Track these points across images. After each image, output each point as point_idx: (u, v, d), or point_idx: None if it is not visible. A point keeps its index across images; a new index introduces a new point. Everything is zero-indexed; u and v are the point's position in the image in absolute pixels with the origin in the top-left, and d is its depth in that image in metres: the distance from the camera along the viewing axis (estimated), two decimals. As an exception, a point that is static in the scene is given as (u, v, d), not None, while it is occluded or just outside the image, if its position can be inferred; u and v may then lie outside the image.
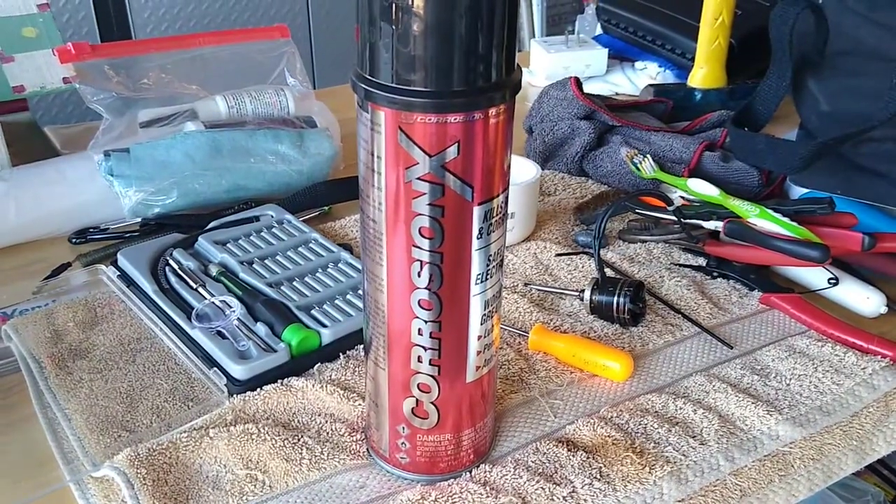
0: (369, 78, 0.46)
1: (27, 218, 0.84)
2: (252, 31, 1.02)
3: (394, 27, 0.44)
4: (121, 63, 0.91)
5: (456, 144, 0.46)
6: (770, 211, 0.75)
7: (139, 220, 0.86)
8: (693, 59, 1.17)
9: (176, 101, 0.95)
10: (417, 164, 0.46)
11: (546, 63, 1.31)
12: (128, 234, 0.85)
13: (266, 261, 0.78)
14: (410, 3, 0.43)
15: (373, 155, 0.48)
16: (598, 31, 1.42)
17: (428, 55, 0.44)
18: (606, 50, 1.32)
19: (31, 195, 0.85)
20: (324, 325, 0.68)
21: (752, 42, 1.16)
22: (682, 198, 0.84)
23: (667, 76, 1.28)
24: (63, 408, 0.63)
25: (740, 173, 0.90)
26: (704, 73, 1.15)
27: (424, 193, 0.47)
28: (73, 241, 0.86)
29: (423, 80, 0.44)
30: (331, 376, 0.65)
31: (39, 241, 0.85)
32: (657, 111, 1.08)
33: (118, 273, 0.76)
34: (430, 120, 0.45)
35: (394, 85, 0.45)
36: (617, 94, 1.27)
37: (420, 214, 0.48)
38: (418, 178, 0.47)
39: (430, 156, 0.46)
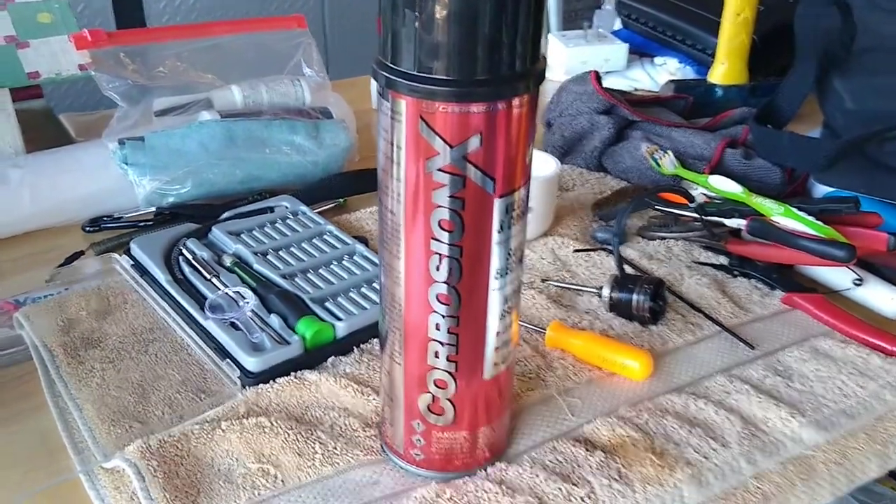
0: (391, 66, 0.45)
1: (42, 205, 0.84)
2: (269, 20, 1.01)
3: (417, 13, 0.42)
4: (137, 51, 0.91)
5: (478, 135, 0.45)
6: (794, 209, 0.74)
7: (153, 209, 0.86)
8: (714, 56, 1.15)
9: (191, 89, 0.94)
10: (438, 154, 0.45)
11: (564, 57, 1.29)
12: (141, 224, 0.85)
13: (280, 252, 0.77)
14: (434, -12, 0.42)
15: (393, 145, 0.47)
16: (618, 26, 1.40)
17: (451, 42, 0.43)
18: (626, 45, 1.30)
19: (46, 182, 0.85)
20: (338, 318, 0.67)
21: (775, 38, 1.14)
22: (704, 195, 0.83)
23: (687, 72, 1.26)
24: (74, 397, 0.62)
25: (763, 171, 0.88)
26: (725, 70, 1.13)
27: (445, 185, 0.46)
28: (87, 229, 0.85)
29: (446, 68, 0.43)
30: (345, 370, 0.64)
31: (53, 228, 0.85)
32: (677, 107, 1.06)
33: (131, 262, 0.76)
34: (452, 109, 0.44)
35: (416, 73, 0.44)
36: (636, 89, 1.26)
37: (440, 206, 0.47)
38: (439, 170, 0.45)
39: (451, 146, 0.45)
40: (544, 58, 0.47)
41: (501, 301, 0.51)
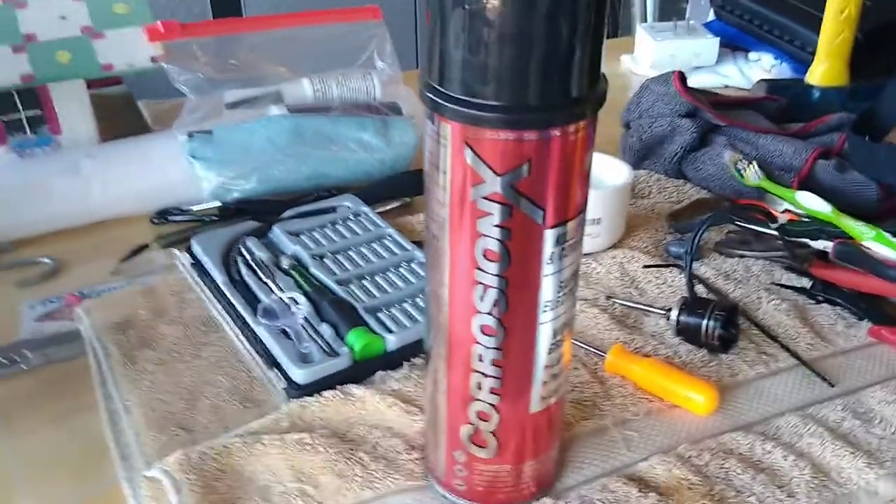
0: (437, 88, 0.42)
1: (111, 196, 0.85)
2: (344, 11, 0.99)
3: (465, 33, 0.39)
4: (209, 43, 0.90)
5: (528, 164, 0.42)
6: (888, 235, 0.68)
7: (218, 203, 0.85)
8: (813, 53, 1.07)
9: (263, 82, 0.93)
10: (485, 182, 0.42)
11: (651, 51, 1.23)
12: (207, 218, 0.85)
13: (338, 255, 0.75)
14: (484, 6, 0.38)
15: (438, 169, 0.44)
16: (711, 16, 1.33)
17: (501, 65, 0.40)
18: (717, 39, 1.23)
19: (117, 173, 0.86)
20: (389, 331, 0.65)
21: (882, 37, 1.06)
22: (789, 211, 0.77)
23: (783, 70, 1.19)
24: (125, 399, 0.62)
25: (857, 186, 0.82)
26: (825, 69, 1.06)
27: (491, 214, 0.43)
28: (155, 221, 0.85)
29: (495, 93, 0.40)
30: (392, 386, 0.62)
31: (120, 219, 0.85)
32: (768, 110, 1.00)
33: (192, 260, 0.75)
34: (500, 136, 0.41)
35: (463, 97, 0.41)
36: (727, 86, 1.19)
37: (485, 236, 0.44)
38: (485, 198, 0.43)
39: (498, 175, 0.42)
40: (605, 79, 0.43)
41: (552, 334, 0.48)
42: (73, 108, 0.89)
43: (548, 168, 0.42)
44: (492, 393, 0.49)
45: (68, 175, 0.84)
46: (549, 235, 0.44)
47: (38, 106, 0.87)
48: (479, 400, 0.49)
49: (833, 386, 0.63)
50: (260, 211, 0.84)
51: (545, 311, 0.47)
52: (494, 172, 0.42)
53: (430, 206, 0.46)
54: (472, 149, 0.42)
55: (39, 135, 0.89)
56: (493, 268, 0.45)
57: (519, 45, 0.39)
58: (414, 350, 0.65)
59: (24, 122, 0.87)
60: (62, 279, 0.78)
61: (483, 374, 0.48)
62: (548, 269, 0.45)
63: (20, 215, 0.82)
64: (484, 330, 0.47)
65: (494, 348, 0.47)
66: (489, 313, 0.46)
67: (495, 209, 0.43)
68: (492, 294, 0.45)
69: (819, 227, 0.72)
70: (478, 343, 0.47)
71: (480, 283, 0.45)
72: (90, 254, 0.81)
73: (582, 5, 0.39)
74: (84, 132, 0.89)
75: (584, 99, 0.42)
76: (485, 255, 0.44)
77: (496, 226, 0.43)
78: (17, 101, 0.86)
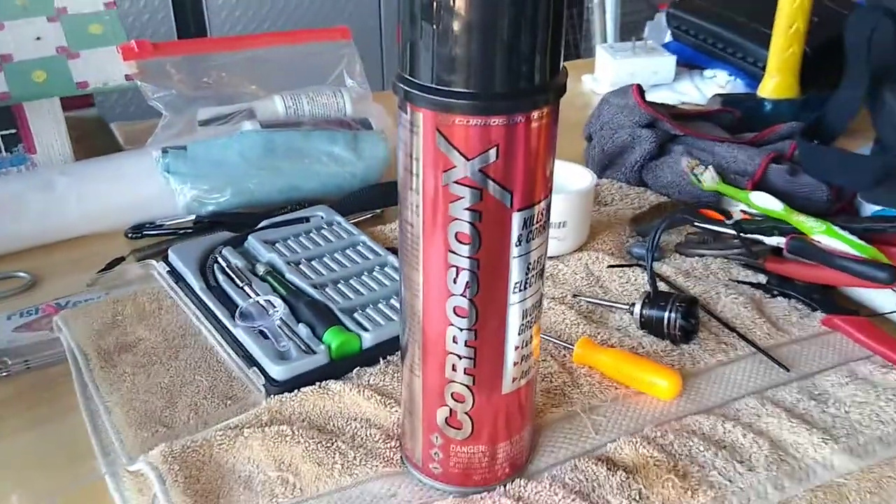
0: (409, 78, 0.45)
1: (87, 212, 0.86)
2: (314, 31, 1.02)
3: (434, 26, 0.42)
4: (182, 62, 0.93)
5: (496, 148, 0.44)
6: (836, 228, 0.72)
7: (193, 217, 0.87)
8: (765, 68, 1.13)
9: (235, 99, 0.96)
10: (455, 167, 0.45)
11: (612, 70, 1.28)
12: (181, 231, 0.86)
13: (313, 262, 0.77)
14: (452, 0, 0.41)
15: (411, 157, 0.47)
16: (669, 38, 1.38)
17: (469, 55, 0.43)
18: (674, 57, 1.29)
19: (92, 189, 0.87)
20: (365, 329, 0.68)
21: (828, 51, 1.11)
22: (744, 211, 0.81)
23: (737, 85, 1.24)
24: (105, 400, 0.63)
25: (809, 188, 0.86)
26: (776, 83, 1.11)
27: (462, 198, 0.46)
28: (130, 235, 0.87)
29: (464, 81, 0.43)
30: (369, 381, 0.64)
31: (97, 234, 0.87)
32: (724, 122, 1.04)
33: (168, 269, 0.77)
34: (469, 122, 0.44)
35: (433, 85, 0.44)
36: (684, 102, 1.24)
37: (457, 219, 0.46)
38: (456, 182, 0.45)
39: (468, 159, 0.45)
40: (565, 70, 0.47)
41: (521, 315, 0.50)
42: (48, 127, 0.90)
43: (515, 152, 0.45)
44: (466, 374, 0.51)
45: (43, 191, 0.85)
46: (517, 218, 0.47)
47: (13, 125, 0.89)
48: (454, 382, 0.51)
49: (789, 371, 0.66)
50: (234, 223, 0.86)
51: (514, 293, 0.49)
52: (465, 157, 0.45)
53: (403, 195, 0.49)
54: (442, 135, 0.44)
55: (14, 154, 0.90)
56: (465, 250, 0.47)
57: (485, 36, 0.42)
58: (389, 347, 0.67)
59: (0, 141, 0.88)
60: (39, 292, 0.79)
61: (457, 355, 0.50)
62: (516, 252, 0.48)
63: (-4, 231, 0.83)
64: (457, 311, 0.49)
65: (467, 329, 0.49)
66: (462, 294, 0.48)
67: (466, 193, 0.46)
68: (464, 276, 0.48)
69: (772, 225, 0.76)
70: (452, 325, 0.49)
71: (453, 265, 0.48)
72: (67, 268, 0.82)
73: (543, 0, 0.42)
74: (59, 151, 0.91)
75: (547, 87, 0.45)
76: (457, 238, 0.47)
77: (467, 209, 0.46)
78: (-7, 121, 0.88)
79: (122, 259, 0.83)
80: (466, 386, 0.51)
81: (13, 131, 0.89)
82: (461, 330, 0.49)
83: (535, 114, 0.45)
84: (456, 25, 0.42)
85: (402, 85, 0.45)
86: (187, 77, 0.92)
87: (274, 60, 0.98)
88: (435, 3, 0.42)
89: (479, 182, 0.45)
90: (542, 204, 0.48)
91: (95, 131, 1.06)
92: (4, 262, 0.82)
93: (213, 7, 2.44)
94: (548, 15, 0.43)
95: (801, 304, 0.74)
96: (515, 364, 0.52)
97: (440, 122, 0.44)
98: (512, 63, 0.43)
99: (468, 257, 0.47)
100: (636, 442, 0.58)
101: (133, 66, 0.89)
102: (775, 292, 0.75)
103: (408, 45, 0.44)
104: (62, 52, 0.87)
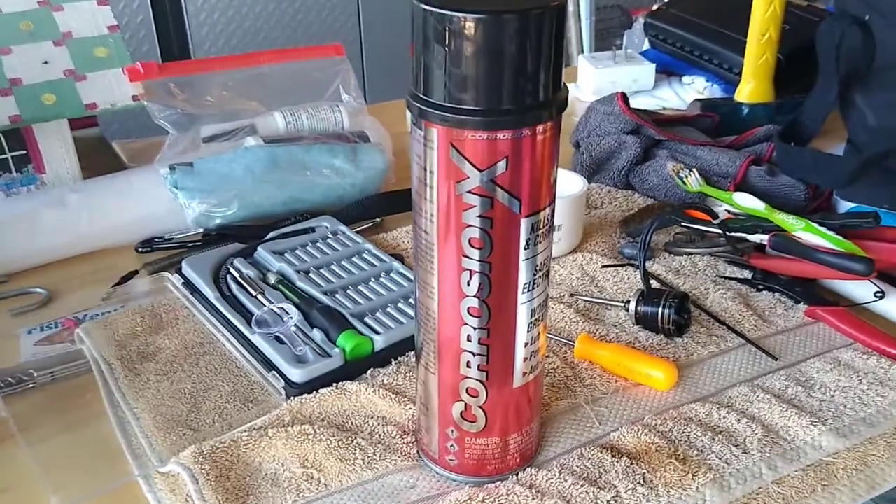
0: (423, 97, 0.49)
1: (98, 227, 0.89)
2: (310, 49, 1.06)
3: (447, 49, 0.46)
4: (185, 81, 0.96)
5: (505, 160, 0.48)
6: (815, 224, 0.76)
7: (202, 230, 0.91)
8: (740, 74, 1.18)
9: (237, 116, 0.99)
10: (468, 178, 0.49)
11: (593, 78, 1.33)
12: (191, 244, 0.90)
13: (322, 270, 0.81)
14: (462, 26, 0.45)
15: (426, 170, 0.50)
16: (647, 46, 1.43)
17: (479, 76, 0.47)
18: (654, 65, 1.33)
19: (102, 206, 0.90)
20: (376, 332, 0.71)
21: (801, 57, 1.16)
22: (728, 211, 0.86)
23: (714, 91, 1.29)
24: (132, 407, 0.66)
25: (787, 187, 0.91)
26: (752, 88, 1.16)
27: (474, 206, 0.50)
28: (140, 250, 0.90)
29: (475, 100, 0.47)
30: (383, 381, 0.68)
31: (108, 249, 0.90)
32: (704, 126, 1.09)
33: (182, 280, 0.80)
34: (480, 137, 0.48)
35: (446, 104, 0.48)
36: (664, 108, 1.29)
37: (470, 226, 0.50)
38: (469, 192, 0.49)
39: (480, 170, 0.49)
40: (566, 87, 0.51)
41: (529, 314, 0.54)
42: (56, 147, 0.93)
43: (522, 163, 0.49)
44: (479, 370, 0.55)
45: (56, 209, 0.88)
46: (525, 223, 0.51)
47: (23, 146, 0.92)
48: (468, 378, 0.55)
49: (776, 360, 0.71)
50: (241, 235, 0.89)
51: (523, 293, 0.53)
52: (477, 168, 0.49)
53: (418, 205, 0.53)
54: (456, 149, 0.48)
55: (25, 174, 0.93)
56: (477, 254, 0.51)
57: (493, 58, 0.46)
58: (400, 348, 0.71)
59: (10, 162, 0.91)
60: (56, 307, 0.82)
61: (471, 353, 0.54)
62: (524, 255, 0.52)
63: (10, 249, 0.86)
64: (471, 311, 0.53)
65: (481, 328, 0.53)
66: (475, 296, 0.52)
67: (478, 201, 0.50)
68: (477, 279, 0.52)
69: (756, 223, 0.80)
70: (466, 325, 0.53)
71: (467, 269, 0.52)
72: (81, 283, 0.85)
73: (546, 25, 0.46)
74: (68, 169, 0.94)
75: (550, 103, 0.49)
76: (470, 244, 0.51)
77: (479, 216, 0.50)
78: (3, 142, 0.90)
79: (135, 272, 0.86)
80: (480, 381, 0.55)
81: (23, 152, 0.92)
82: (475, 329, 0.53)
83: (540, 127, 0.49)
84: (466, 49, 0.46)
85: (417, 104, 0.49)
86: (191, 96, 0.95)
87: (272, 77, 1.01)
88: (447, 29, 0.46)
89: (489, 191, 0.49)
90: (547, 210, 0.52)
91: (99, 150, 1.09)
92: (21, 279, 0.85)
93: (194, 25, 2.47)
94: (550, 38, 0.47)
95: (785, 297, 0.78)
96: (525, 359, 0.56)
97: (454, 137, 0.48)
98: (518, 82, 0.47)
99: (481, 261, 0.51)
100: (638, 430, 0.62)
101: (139, 87, 0.92)
102: (761, 286, 0.80)
103: (421, 67, 0.48)
104: (69, 74, 0.90)
